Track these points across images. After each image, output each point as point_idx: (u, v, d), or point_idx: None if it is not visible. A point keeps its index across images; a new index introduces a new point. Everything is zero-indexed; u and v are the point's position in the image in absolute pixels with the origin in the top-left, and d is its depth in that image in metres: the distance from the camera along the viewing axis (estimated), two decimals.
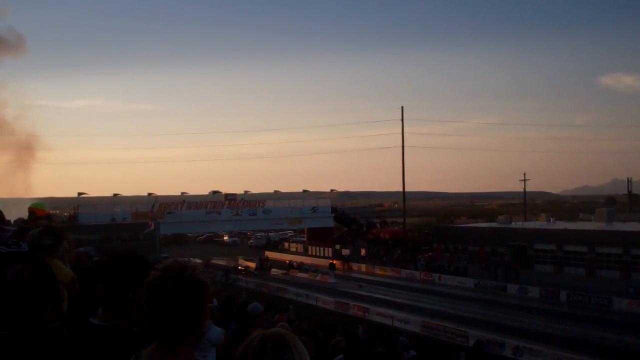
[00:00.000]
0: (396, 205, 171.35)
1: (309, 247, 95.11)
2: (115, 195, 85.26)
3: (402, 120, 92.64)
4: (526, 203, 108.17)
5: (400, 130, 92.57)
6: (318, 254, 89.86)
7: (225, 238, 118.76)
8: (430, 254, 78.05)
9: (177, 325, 2.62)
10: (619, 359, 30.15)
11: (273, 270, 73.20)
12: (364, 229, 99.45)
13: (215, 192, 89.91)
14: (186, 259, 2.96)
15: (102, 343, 3.28)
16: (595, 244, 64.01)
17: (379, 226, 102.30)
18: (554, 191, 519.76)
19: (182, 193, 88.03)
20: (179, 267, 2.70)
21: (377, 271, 71.34)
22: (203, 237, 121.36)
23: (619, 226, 74.55)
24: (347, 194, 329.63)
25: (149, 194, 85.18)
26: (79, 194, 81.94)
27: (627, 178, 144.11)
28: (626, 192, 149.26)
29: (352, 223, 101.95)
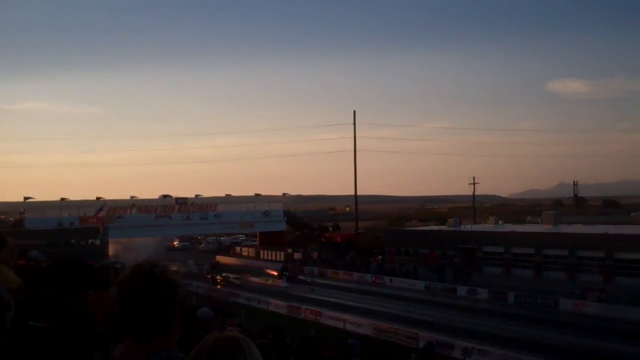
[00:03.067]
0: (348, 209, 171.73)
1: (261, 251, 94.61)
2: (62, 199, 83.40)
3: (354, 124, 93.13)
4: (475, 206, 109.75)
5: (353, 134, 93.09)
6: (270, 258, 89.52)
7: (175, 243, 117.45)
8: (381, 257, 78.41)
9: (148, 323, 2.65)
10: (563, 358, 30.76)
11: (224, 274, 72.57)
12: (317, 233, 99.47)
13: (165, 196, 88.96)
14: (157, 258, 2.99)
15: (44, 345, 3.24)
16: (542, 246, 65.27)
17: (331, 230, 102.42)
18: (503, 194, 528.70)
19: (132, 197, 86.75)
20: (150, 266, 2.74)
21: (330, 274, 71.48)
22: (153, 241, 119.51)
23: (565, 228, 76.13)
24: (299, 198, 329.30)
25: (98, 198, 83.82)
26: (25, 198, 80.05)
27: (573, 181, 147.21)
28: (572, 195, 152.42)
29: (305, 227, 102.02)
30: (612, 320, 41.56)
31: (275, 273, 69.87)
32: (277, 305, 49.69)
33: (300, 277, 67.14)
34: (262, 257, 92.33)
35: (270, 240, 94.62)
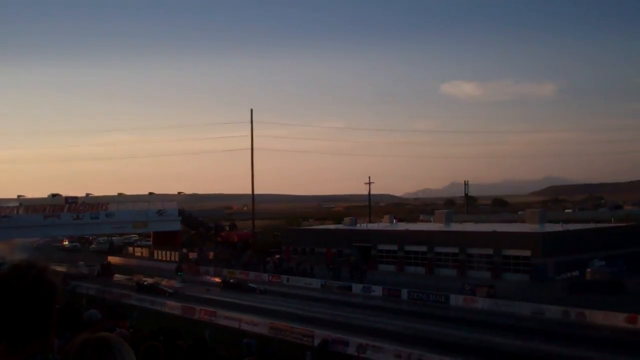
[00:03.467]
0: (245, 208, 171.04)
1: (155, 252, 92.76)
2: None
3: (252, 122, 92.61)
4: (371, 205, 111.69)
5: (250, 133, 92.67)
6: (164, 259, 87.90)
7: (65, 243, 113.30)
8: (278, 256, 78.51)
9: (23, 326, 2.53)
10: (454, 352, 31.59)
11: (116, 275, 70.67)
12: (213, 232, 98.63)
13: (54, 195, 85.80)
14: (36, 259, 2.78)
15: None
16: (434, 244, 67.09)
17: (227, 229, 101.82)
18: (397, 194, 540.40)
19: (19, 196, 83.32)
20: (27, 267, 2.61)
21: (226, 274, 70.87)
22: (41, 242, 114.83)
23: (456, 227, 78.60)
24: (195, 197, 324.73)
25: None
26: None
27: (464, 181, 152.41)
28: (463, 194, 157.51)
29: (200, 226, 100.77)
30: (500, 315, 43.17)
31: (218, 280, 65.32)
32: (171, 306, 48.76)
33: (251, 285, 60.32)
34: (156, 257, 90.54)
35: (164, 240, 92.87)
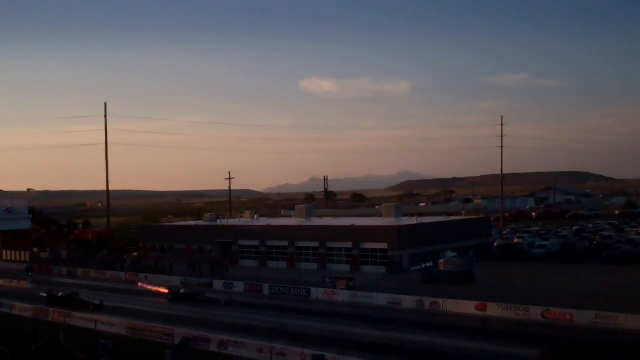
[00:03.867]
0: (100, 205, 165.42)
1: (3, 252, 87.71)
2: None
3: (106, 116, 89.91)
4: (231, 201, 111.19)
5: (104, 127, 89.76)
6: (13, 259, 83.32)
7: None
8: (136, 253, 76.65)
9: None
10: (315, 344, 31.94)
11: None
12: (66, 230, 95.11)
13: None
14: None
15: None
16: (295, 239, 67.77)
17: (81, 227, 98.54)
18: (259, 189, 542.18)
19: None
20: None
21: (80, 274, 68.19)
22: None
23: (316, 221, 79.84)
24: (47, 194, 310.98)
25: None
26: None
27: (324, 177, 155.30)
28: (323, 189, 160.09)
29: (52, 224, 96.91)
30: (359, 306, 44.20)
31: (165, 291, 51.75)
32: (21, 308, 46.13)
33: (216, 296, 49.06)
34: (4, 257, 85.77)
35: (13, 239, 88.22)
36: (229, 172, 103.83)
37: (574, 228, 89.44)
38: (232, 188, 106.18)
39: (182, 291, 50.68)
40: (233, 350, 30.89)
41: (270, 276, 57.86)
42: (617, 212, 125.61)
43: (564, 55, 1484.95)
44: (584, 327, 34.54)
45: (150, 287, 53.99)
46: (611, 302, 39.29)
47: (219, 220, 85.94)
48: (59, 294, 48.89)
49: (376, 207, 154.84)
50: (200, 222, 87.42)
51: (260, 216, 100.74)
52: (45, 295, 49.32)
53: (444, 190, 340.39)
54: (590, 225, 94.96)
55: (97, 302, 46.51)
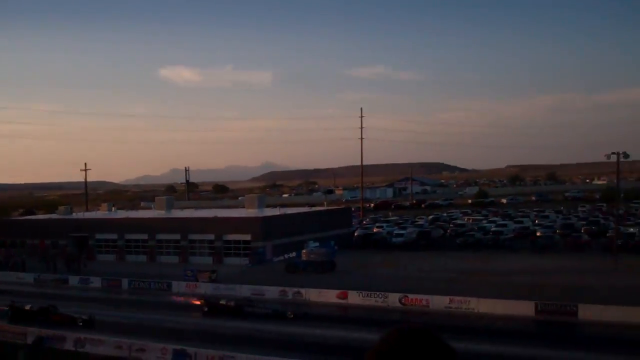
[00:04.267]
0: None
1: None
2: None
3: None
4: (87, 193, 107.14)
5: None
6: None
7: None
8: None
9: None
10: (178, 339, 31.39)
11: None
12: None
13: None
14: None
15: None
16: (155, 231, 66.24)
17: None
18: (116, 181, 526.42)
19: None
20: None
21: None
22: None
23: (177, 213, 78.53)
24: None
25: None
26: None
27: (185, 167, 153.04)
28: (184, 181, 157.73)
29: None
30: (222, 298, 43.82)
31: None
32: None
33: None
34: None
35: None
36: (85, 164, 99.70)
37: (430, 217, 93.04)
38: (89, 180, 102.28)
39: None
40: (90, 347, 29.83)
41: (129, 270, 56.22)
42: (469, 201, 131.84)
43: (418, 49, 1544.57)
44: (439, 312, 36.08)
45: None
46: (464, 287, 41.27)
47: (74, 214, 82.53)
48: (27, 308, 39.24)
49: (239, 199, 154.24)
50: (54, 216, 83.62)
51: (119, 209, 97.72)
52: (7, 308, 39.44)
53: (307, 181, 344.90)
54: (445, 214, 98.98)
55: (85, 317, 36.46)
